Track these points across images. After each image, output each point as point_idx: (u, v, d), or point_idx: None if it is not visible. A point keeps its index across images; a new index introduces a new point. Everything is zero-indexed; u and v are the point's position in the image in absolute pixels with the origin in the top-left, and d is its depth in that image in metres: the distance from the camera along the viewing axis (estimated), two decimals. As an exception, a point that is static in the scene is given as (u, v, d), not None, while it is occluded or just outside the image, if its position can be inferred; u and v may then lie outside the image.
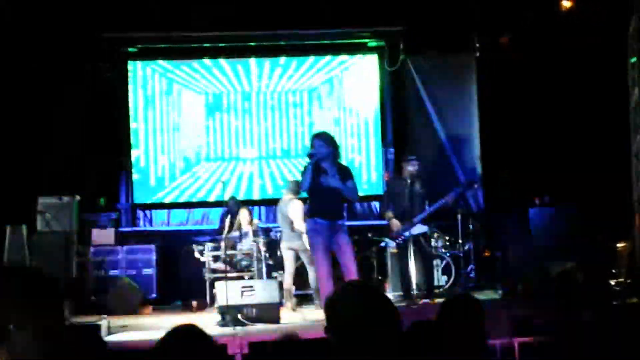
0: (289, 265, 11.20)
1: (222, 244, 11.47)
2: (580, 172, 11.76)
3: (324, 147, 8.81)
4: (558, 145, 12.36)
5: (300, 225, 10.73)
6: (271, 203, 13.93)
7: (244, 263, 11.68)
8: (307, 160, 8.84)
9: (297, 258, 11.26)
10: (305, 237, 10.35)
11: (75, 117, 13.11)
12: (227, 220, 11.88)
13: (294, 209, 11.10)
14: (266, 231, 12.34)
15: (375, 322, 2.66)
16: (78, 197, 11.66)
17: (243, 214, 12.04)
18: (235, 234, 11.88)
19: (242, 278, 11.23)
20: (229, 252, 11.57)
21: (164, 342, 2.85)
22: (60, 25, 12.45)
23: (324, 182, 8.76)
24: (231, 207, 12.22)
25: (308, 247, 10.07)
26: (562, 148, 12.29)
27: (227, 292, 9.52)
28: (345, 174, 8.95)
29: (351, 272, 8.71)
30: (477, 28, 13.55)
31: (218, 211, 13.38)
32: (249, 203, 12.68)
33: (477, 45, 13.84)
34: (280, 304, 10.24)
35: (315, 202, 9.03)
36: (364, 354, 2.63)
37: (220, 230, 12.01)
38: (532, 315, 9.08)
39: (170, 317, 10.95)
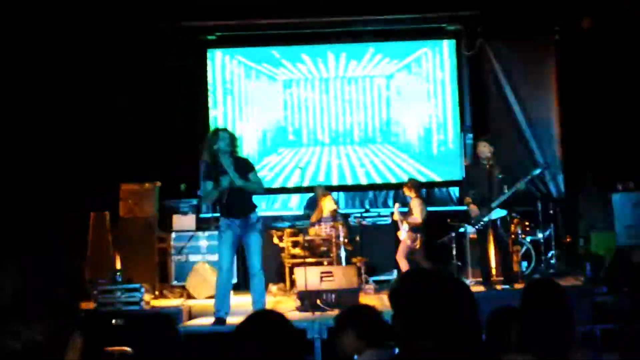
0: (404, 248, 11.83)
1: (309, 229, 11.80)
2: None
3: (225, 141, 8.74)
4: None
5: (416, 220, 11.82)
6: (349, 189, 13.97)
7: (323, 249, 11.71)
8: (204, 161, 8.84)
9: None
10: (404, 231, 11.77)
11: (155, 105, 13.32)
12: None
13: (413, 206, 11.93)
14: (345, 217, 12.38)
15: (446, 308, 2.64)
16: (159, 184, 11.84)
17: (328, 201, 12.10)
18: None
19: (321, 264, 11.28)
20: (308, 237, 11.64)
21: (243, 327, 2.89)
22: (141, 14, 12.63)
23: (224, 183, 8.69)
24: (317, 193, 12.33)
25: (408, 240, 11.69)
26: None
27: (307, 278, 9.60)
28: (245, 167, 8.95)
29: (253, 267, 8.79)
30: (556, 11, 13.31)
31: (296, 197, 13.51)
32: (328, 189, 12.73)
33: (557, 28, 13.65)
34: (359, 290, 10.27)
35: (221, 202, 8.97)
36: (430, 343, 2.61)
37: (308, 216, 12.20)
38: (614, 302, 8.97)
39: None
